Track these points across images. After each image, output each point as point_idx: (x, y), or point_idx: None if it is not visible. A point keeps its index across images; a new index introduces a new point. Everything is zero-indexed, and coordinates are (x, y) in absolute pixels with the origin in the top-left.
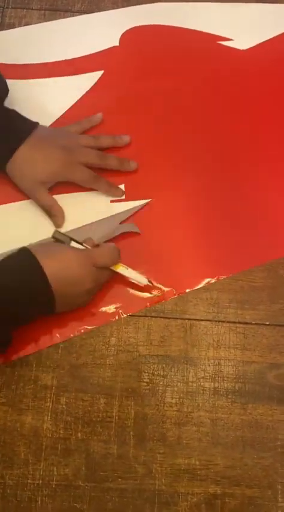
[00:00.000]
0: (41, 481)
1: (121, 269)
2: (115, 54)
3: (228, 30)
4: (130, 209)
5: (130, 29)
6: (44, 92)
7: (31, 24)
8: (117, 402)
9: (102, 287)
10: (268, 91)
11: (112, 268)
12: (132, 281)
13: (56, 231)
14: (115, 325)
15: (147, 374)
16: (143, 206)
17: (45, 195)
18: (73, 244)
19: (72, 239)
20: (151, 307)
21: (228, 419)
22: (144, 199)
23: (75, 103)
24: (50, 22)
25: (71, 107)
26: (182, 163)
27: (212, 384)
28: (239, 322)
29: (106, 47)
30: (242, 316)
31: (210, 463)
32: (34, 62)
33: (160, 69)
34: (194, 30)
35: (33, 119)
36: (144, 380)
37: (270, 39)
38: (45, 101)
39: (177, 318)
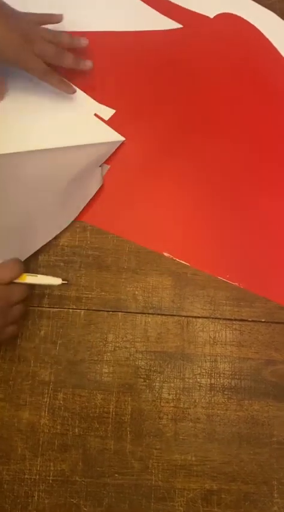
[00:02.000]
0: (37, 477)
1: (30, 278)
2: None
3: None
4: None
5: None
6: None
7: None
8: (114, 398)
9: (18, 312)
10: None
11: (19, 281)
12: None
13: None
14: (113, 322)
15: (143, 370)
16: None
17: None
18: None
19: None
20: (148, 304)
21: (224, 415)
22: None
23: None
24: None
25: None
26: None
27: (208, 380)
28: (236, 319)
29: None
30: (239, 313)
31: (206, 459)
32: None
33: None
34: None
35: None
36: (141, 376)
37: None
38: None
39: (174, 315)
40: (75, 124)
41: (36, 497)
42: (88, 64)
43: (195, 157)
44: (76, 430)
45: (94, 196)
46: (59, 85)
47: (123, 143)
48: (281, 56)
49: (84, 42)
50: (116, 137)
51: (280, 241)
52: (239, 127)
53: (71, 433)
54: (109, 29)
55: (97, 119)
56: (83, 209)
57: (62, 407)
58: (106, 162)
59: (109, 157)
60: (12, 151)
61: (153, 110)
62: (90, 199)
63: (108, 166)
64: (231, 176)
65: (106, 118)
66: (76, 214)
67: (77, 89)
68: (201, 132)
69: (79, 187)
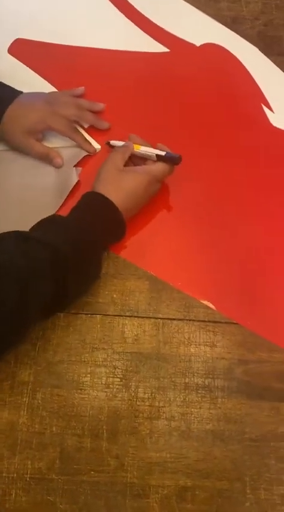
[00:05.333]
0: (15, 475)
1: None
2: None
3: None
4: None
5: None
6: None
7: None
8: (91, 398)
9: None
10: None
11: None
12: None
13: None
14: (91, 325)
15: (120, 370)
16: None
17: (37, 144)
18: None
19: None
20: (126, 307)
21: (198, 413)
22: None
23: None
24: None
25: None
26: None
27: (183, 379)
28: (209, 321)
29: None
30: (212, 315)
31: (180, 456)
32: None
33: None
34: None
35: None
36: (118, 376)
37: None
38: None
39: (150, 318)
40: None
41: (13, 495)
42: (105, 125)
43: (185, 178)
44: (54, 429)
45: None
46: (83, 144)
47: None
48: (257, 86)
49: (101, 106)
50: (94, 144)
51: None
52: (224, 150)
53: (48, 431)
54: (99, 46)
55: (78, 126)
56: None
57: (41, 407)
58: (81, 165)
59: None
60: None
61: (135, 127)
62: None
63: (81, 169)
64: (214, 189)
65: (86, 126)
66: (54, 211)
67: None
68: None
69: (57, 184)
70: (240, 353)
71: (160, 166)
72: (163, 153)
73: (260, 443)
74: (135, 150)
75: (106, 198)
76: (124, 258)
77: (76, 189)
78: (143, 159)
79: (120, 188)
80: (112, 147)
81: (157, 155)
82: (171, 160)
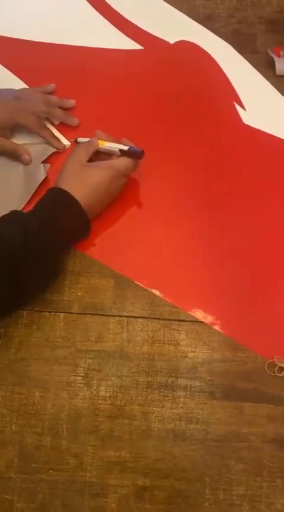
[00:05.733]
0: None
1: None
2: None
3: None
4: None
5: None
6: None
7: None
8: (52, 396)
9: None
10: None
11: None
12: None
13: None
14: (55, 322)
15: (82, 368)
16: None
17: (5, 141)
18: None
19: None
20: (91, 305)
21: (160, 412)
22: None
23: None
24: None
25: None
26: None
27: (145, 378)
28: (174, 320)
29: None
30: (177, 313)
31: (140, 456)
32: None
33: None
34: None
35: None
36: (80, 374)
37: None
38: None
39: (115, 316)
40: None
41: None
42: (75, 121)
43: (154, 175)
44: (14, 427)
45: None
46: (51, 141)
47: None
48: (230, 84)
49: (71, 102)
50: (63, 141)
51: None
52: (196, 148)
53: (8, 429)
54: (71, 43)
55: (48, 122)
56: None
57: (1, 404)
58: (50, 161)
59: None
60: None
61: (106, 124)
62: None
63: (49, 165)
64: (183, 186)
65: (56, 122)
66: (21, 207)
67: None
68: (158, 147)
69: (24, 180)
70: (204, 352)
71: (123, 161)
72: (126, 148)
73: (222, 444)
74: (99, 146)
75: (68, 194)
76: (90, 256)
77: (44, 185)
78: (109, 155)
79: (82, 183)
80: None
81: (120, 150)
82: (133, 154)
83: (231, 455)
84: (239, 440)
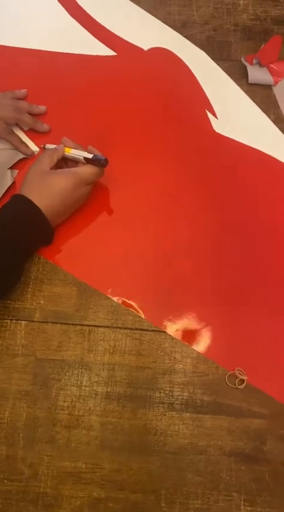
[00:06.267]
0: None
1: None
2: None
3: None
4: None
5: None
6: None
7: None
8: (9, 404)
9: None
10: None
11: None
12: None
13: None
14: (16, 330)
15: (41, 378)
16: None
17: None
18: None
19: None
20: (52, 314)
21: (118, 423)
22: None
23: None
24: None
25: None
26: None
27: (105, 388)
28: (137, 329)
29: None
30: (140, 323)
31: (96, 467)
32: None
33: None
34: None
35: None
36: (38, 383)
37: None
38: None
39: (76, 324)
40: None
41: None
42: (45, 127)
43: (122, 182)
44: None
45: None
46: (19, 147)
47: None
48: (203, 91)
49: (42, 108)
50: (32, 146)
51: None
52: (166, 156)
53: None
54: (43, 48)
55: (18, 128)
56: None
57: None
58: (18, 167)
59: (23, 163)
60: None
61: (77, 130)
62: None
63: (17, 171)
64: (151, 195)
65: (26, 128)
66: None
67: None
68: (127, 155)
69: None
70: (165, 363)
71: (87, 169)
72: (90, 156)
73: (179, 456)
74: (65, 153)
75: (29, 201)
76: (54, 263)
77: (11, 190)
78: (77, 162)
79: (45, 191)
80: None
81: (85, 158)
82: (98, 162)
83: (188, 467)
84: (197, 453)
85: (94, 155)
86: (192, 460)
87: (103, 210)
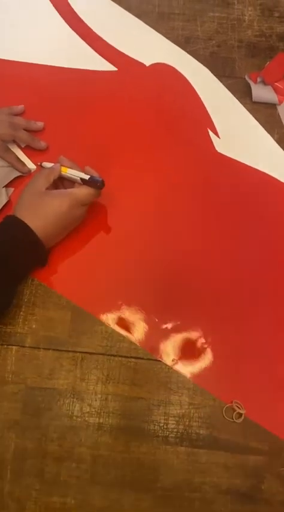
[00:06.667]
0: None
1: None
2: None
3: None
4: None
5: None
6: None
7: None
8: None
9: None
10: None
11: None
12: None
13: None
14: (6, 356)
15: (31, 407)
16: None
17: None
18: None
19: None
20: (45, 339)
21: (110, 456)
22: None
23: None
24: None
25: None
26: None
27: (97, 419)
28: (131, 357)
29: None
30: (135, 350)
31: (85, 503)
32: None
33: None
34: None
35: None
36: (28, 413)
37: None
38: None
39: (69, 351)
40: None
41: None
42: (42, 144)
43: (119, 203)
44: None
45: None
46: (16, 165)
47: None
48: (205, 110)
49: (39, 124)
50: (29, 164)
51: None
52: (165, 176)
53: None
54: (42, 62)
55: (14, 145)
56: None
57: None
58: (14, 185)
59: (19, 181)
60: None
61: (75, 148)
62: None
63: (13, 189)
64: (149, 216)
65: (23, 145)
66: None
67: None
68: (126, 174)
69: None
70: (161, 393)
71: (83, 190)
72: (86, 177)
73: (173, 493)
74: (62, 172)
75: (22, 222)
76: (48, 286)
77: (7, 209)
78: (73, 182)
79: (39, 212)
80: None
81: (81, 178)
82: (94, 184)
83: (182, 506)
84: (192, 490)
85: (91, 176)
86: (186, 498)
87: (100, 231)
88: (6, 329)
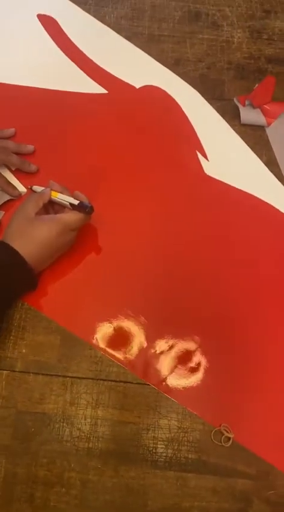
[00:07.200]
0: None
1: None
2: None
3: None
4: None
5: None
6: None
7: None
8: None
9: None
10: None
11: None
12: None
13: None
14: None
15: (22, 431)
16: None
17: None
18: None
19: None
20: (34, 364)
21: (99, 481)
22: None
23: None
24: None
25: None
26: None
27: (86, 443)
28: (121, 381)
29: None
30: (125, 375)
31: None
32: None
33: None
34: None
35: None
36: (18, 438)
37: None
38: None
39: (59, 376)
40: None
41: None
42: (32, 167)
43: (109, 226)
44: None
45: None
46: (6, 189)
47: None
48: (195, 132)
49: (30, 148)
50: (19, 187)
51: None
52: (154, 200)
53: None
54: (32, 84)
55: (5, 169)
56: None
57: None
58: (5, 209)
59: (10, 204)
60: None
61: (66, 171)
62: None
63: (3, 212)
64: (139, 239)
65: (13, 168)
66: None
67: None
68: (116, 198)
69: None
70: (150, 418)
71: (72, 215)
72: (76, 202)
73: None
74: (52, 197)
75: (10, 247)
76: (38, 310)
77: None
78: (63, 206)
79: (28, 238)
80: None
81: (70, 204)
82: (83, 209)
83: None
84: None
85: (80, 202)
86: None
87: (90, 254)
88: None
